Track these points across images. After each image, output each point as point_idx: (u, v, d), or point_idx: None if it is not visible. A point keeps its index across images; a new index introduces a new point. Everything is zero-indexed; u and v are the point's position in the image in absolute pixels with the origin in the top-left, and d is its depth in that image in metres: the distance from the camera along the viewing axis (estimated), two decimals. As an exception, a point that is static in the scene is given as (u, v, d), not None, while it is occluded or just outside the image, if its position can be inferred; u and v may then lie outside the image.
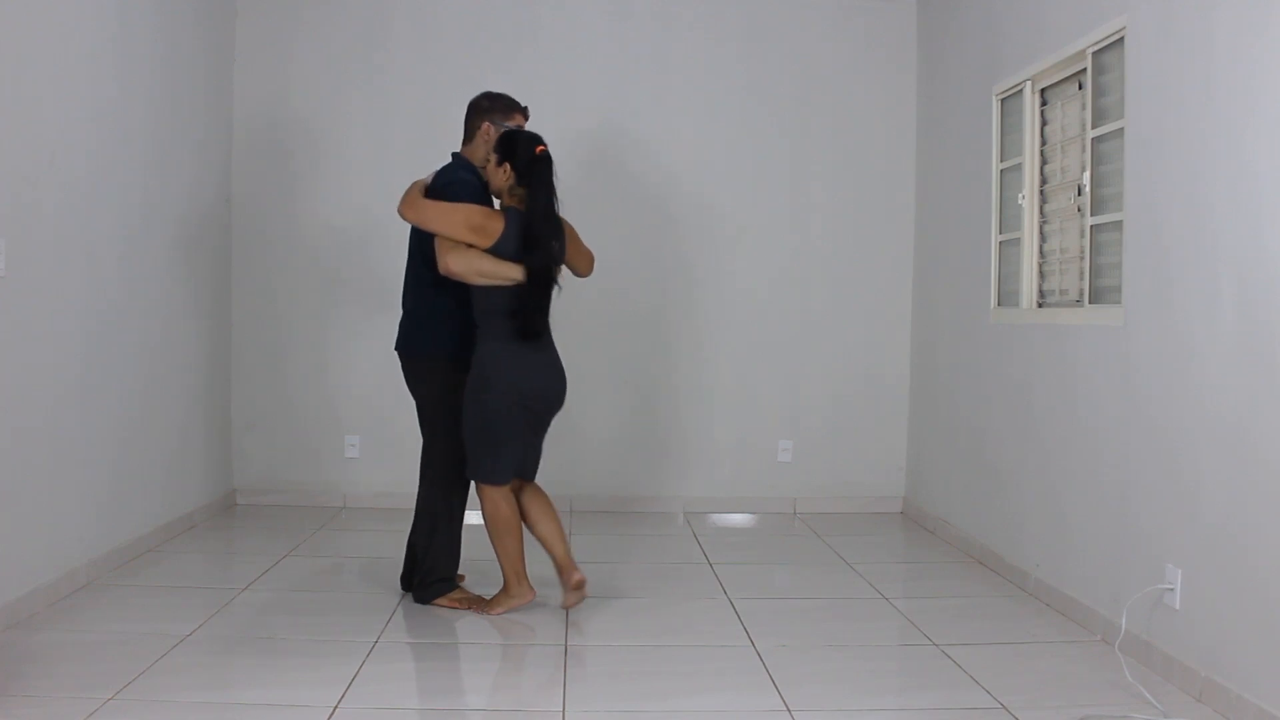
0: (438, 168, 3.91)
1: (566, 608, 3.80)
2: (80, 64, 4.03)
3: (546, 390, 3.80)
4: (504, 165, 3.74)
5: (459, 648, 3.58)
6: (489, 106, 3.94)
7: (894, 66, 5.88)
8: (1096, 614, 3.70)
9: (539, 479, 3.97)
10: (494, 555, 3.89)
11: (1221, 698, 2.98)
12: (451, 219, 3.65)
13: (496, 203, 3.85)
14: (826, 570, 4.66)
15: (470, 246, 3.64)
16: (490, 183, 3.82)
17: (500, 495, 3.80)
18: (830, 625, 3.87)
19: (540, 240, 3.66)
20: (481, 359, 3.74)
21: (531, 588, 3.86)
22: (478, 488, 3.82)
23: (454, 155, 3.94)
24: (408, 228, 3.93)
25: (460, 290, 3.78)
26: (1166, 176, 3.36)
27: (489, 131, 3.90)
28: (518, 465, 3.83)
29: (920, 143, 5.83)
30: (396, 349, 3.98)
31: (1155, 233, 3.42)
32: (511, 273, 3.65)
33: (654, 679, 3.26)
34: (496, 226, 3.65)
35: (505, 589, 3.85)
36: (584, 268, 3.98)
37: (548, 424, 3.90)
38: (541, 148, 3.72)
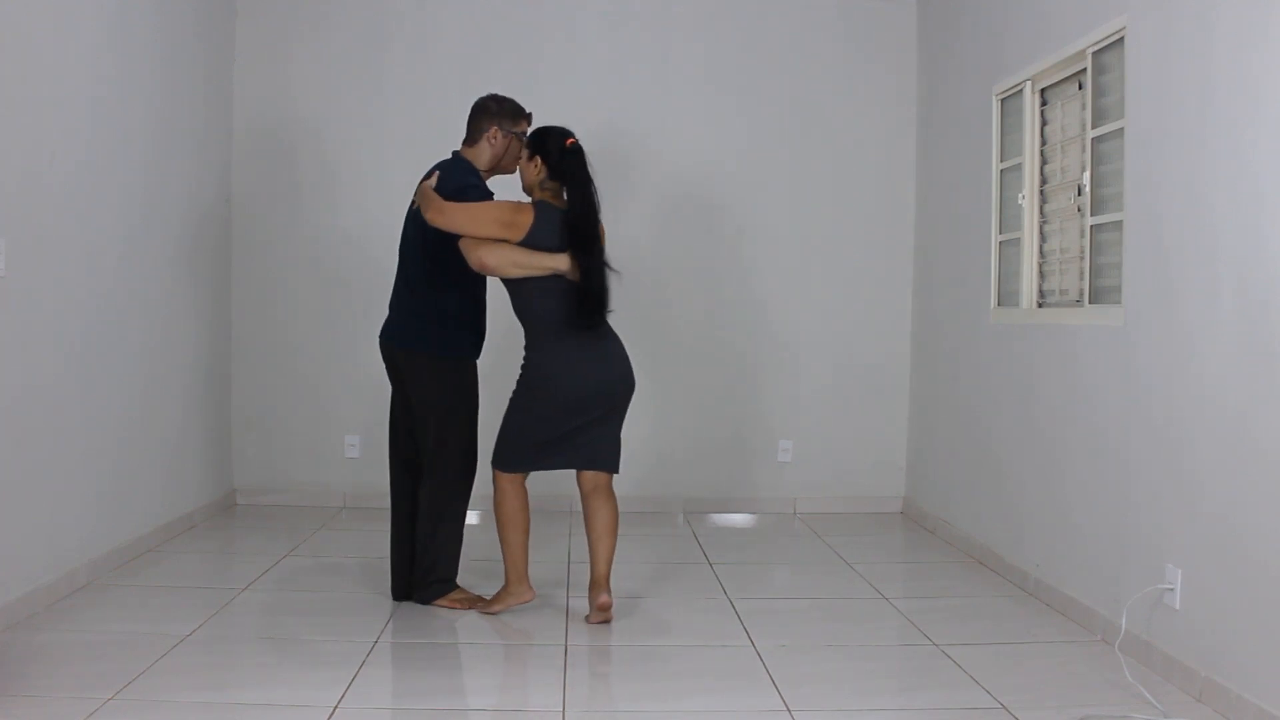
0: (437, 163, 3.90)
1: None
2: (80, 64, 4.03)
3: (601, 385, 3.73)
4: (535, 159, 3.75)
5: (459, 648, 3.58)
6: (497, 110, 3.90)
7: (894, 66, 5.88)
8: (1096, 614, 3.70)
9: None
10: (497, 554, 3.87)
11: (1221, 698, 2.98)
12: (482, 218, 3.65)
13: (528, 199, 3.84)
14: (826, 570, 4.66)
15: (500, 242, 3.65)
16: (522, 178, 3.83)
17: (510, 486, 3.76)
18: (830, 625, 3.87)
19: (588, 231, 3.66)
20: (533, 362, 3.73)
21: (531, 588, 3.84)
22: (493, 475, 3.79)
23: (454, 153, 3.93)
24: (401, 227, 3.93)
25: (475, 290, 3.82)
26: (1166, 176, 3.36)
27: (496, 135, 3.88)
28: (581, 457, 3.76)
29: (920, 143, 5.83)
30: (399, 346, 3.91)
31: (1155, 233, 3.42)
32: (547, 262, 3.64)
33: (654, 679, 3.26)
34: (526, 220, 3.64)
35: (505, 587, 3.83)
36: None
37: (620, 412, 3.80)
38: (572, 140, 3.73)
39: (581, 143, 3.75)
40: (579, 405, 3.70)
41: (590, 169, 3.71)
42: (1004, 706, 3.01)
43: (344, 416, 5.75)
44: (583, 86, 5.71)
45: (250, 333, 5.75)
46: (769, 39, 5.84)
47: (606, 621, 3.73)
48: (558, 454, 3.76)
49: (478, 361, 3.97)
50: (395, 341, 3.92)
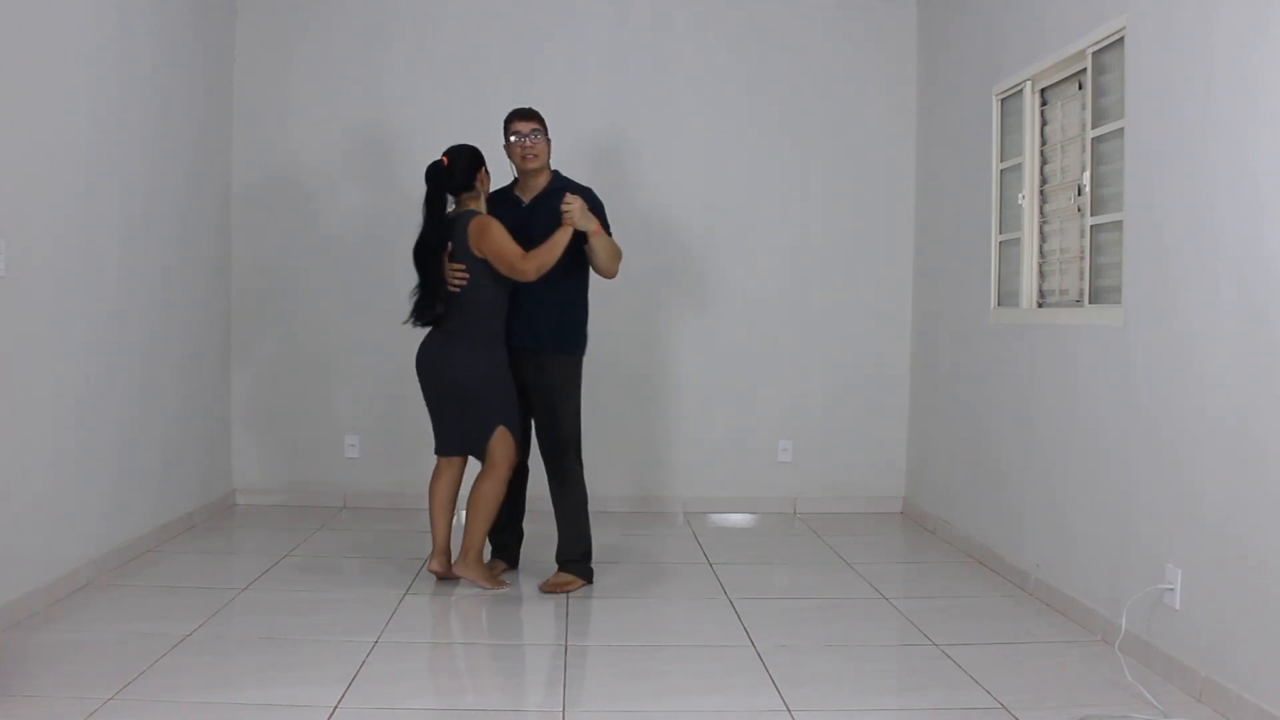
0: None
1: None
2: (80, 64, 4.03)
3: (425, 371, 4.11)
4: None
5: (459, 648, 3.58)
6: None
7: (894, 66, 5.88)
8: (1096, 614, 3.70)
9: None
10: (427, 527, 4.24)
11: (1221, 698, 2.98)
12: None
13: None
14: (826, 570, 4.66)
15: None
16: None
17: (438, 465, 4.21)
18: (830, 625, 3.87)
19: (420, 246, 4.07)
20: None
21: (436, 559, 4.12)
22: None
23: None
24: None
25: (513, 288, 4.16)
26: (1166, 176, 3.36)
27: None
28: (450, 441, 4.16)
29: (920, 143, 5.83)
30: None
31: (1155, 233, 3.42)
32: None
33: (654, 679, 3.27)
34: None
35: None
36: (519, 271, 4.00)
37: (463, 404, 4.07)
38: (442, 159, 4.06)
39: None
40: (422, 383, 4.15)
41: (442, 185, 4.01)
42: (1004, 706, 3.02)
43: (344, 416, 5.75)
44: (583, 86, 5.71)
45: (250, 332, 5.75)
46: (769, 38, 5.84)
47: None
48: (448, 441, 4.15)
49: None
50: None
